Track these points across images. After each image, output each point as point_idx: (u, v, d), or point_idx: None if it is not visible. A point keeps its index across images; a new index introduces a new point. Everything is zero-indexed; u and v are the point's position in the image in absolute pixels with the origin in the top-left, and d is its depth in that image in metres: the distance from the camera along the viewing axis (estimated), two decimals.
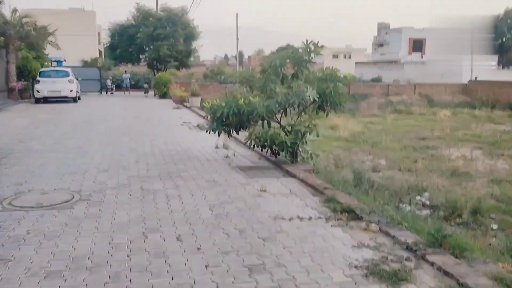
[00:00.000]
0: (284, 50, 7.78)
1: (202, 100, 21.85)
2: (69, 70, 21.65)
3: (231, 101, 7.50)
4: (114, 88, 34.73)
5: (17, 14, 21.28)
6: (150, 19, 28.65)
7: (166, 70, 30.98)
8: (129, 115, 16.12)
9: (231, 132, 8.06)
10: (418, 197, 7.95)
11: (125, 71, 37.16)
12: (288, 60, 7.60)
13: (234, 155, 8.71)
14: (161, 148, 9.32)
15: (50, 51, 31.40)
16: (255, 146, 7.88)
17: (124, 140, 10.18)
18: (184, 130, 12.47)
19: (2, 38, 21.04)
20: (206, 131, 7.99)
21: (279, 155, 7.92)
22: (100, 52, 58.42)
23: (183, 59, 30.23)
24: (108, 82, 34.39)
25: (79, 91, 23.47)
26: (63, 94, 20.50)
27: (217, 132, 7.82)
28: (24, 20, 21.55)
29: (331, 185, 6.56)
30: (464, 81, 49.66)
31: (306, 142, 7.88)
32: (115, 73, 43.56)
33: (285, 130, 7.74)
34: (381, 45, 78.67)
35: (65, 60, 32.54)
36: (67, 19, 55.68)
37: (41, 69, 21.16)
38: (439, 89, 44.78)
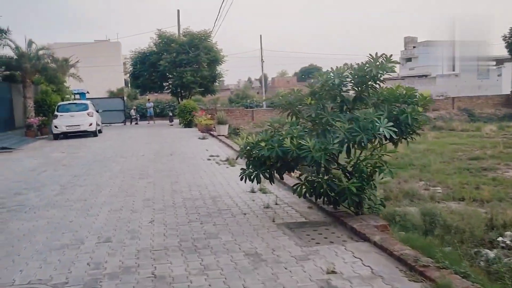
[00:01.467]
0: (341, 66, 5.85)
1: (230, 127, 20.15)
2: (88, 102, 20.41)
3: (273, 140, 5.61)
4: (138, 118, 33.66)
5: (34, 46, 20.31)
6: (172, 44, 27.43)
7: (190, 97, 29.62)
8: (150, 149, 14.49)
9: (273, 176, 6.14)
10: (500, 238, 6.50)
11: (148, 99, 36.14)
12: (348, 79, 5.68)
13: (276, 203, 6.79)
14: (184, 196, 7.48)
15: (72, 84, 30.68)
16: (306, 194, 5.93)
17: (140, 186, 8.41)
18: (212, 166, 10.66)
19: (18, 72, 20.03)
20: (241, 178, 6.09)
21: (338, 206, 5.94)
22: (126, 81, 58.28)
23: (207, 84, 28.78)
24: (132, 112, 33.37)
25: (100, 124, 22.20)
26: (82, 128, 19.19)
27: (254, 179, 5.91)
28: (41, 52, 20.53)
29: (421, 251, 4.57)
30: (505, 92, 46.49)
31: (375, 186, 5.90)
32: (140, 102, 42.77)
33: (346, 171, 5.78)
34: (409, 59, 76.16)
35: (88, 92, 31.73)
36: (92, 51, 56.08)
37: (59, 103, 19.99)
38: (479, 102, 41.84)
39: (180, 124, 26.13)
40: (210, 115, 22.48)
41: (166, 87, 30.66)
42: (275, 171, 5.99)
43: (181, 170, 10.19)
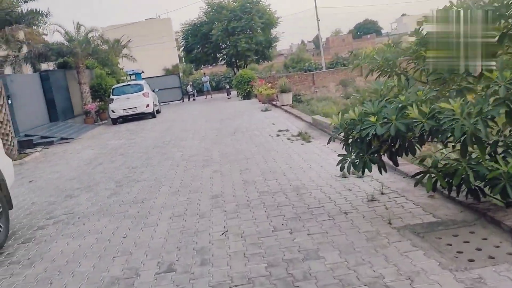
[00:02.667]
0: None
1: (294, 95, 18.41)
2: (142, 82, 19.46)
3: (387, 111, 3.88)
4: (195, 94, 32.75)
5: (82, 29, 19.52)
6: (223, 12, 25.76)
7: (246, 66, 28.03)
8: (212, 128, 13.18)
9: (383, 160, 4.44)
10: None
11: (204, 73, 35.04)
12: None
13: (382, 192, 5.12)
14: (259, 188, 6.00)
15: (126, 65, 30.18)
16: (436, 184, 4.18)
17: (205, 178, 7.05)
18: (284, 145, 9.10)
19: (71, 58, 19.43)
20: (341, 168, 4.46)
21: (484, 196, 4.15)
22: (180, 58, 57.82)
23: (263, 50, 26.97)
24: (189, 88, 32.47)
25: (158, 104, 21.32)
26: (140, 110, 18.32)
27: (360, 168, 4.24)
28: (90, 34, 19.73)
29: None
30: None
31: None
32: (196, 77, 41.92)
33: (493, 149, 3.94)
34: None
35: (143, 72, 31.15)
36: (144, 30, 55.88)
37: (114, 86, 19.22)
38: None
39: (238, 96, 24.76)
40: (269, 84, 20.82)
41: (221, 59, 29.27)
42: (389, 155, 4.27)
43: (249, 152, 8.73)
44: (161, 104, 30.81)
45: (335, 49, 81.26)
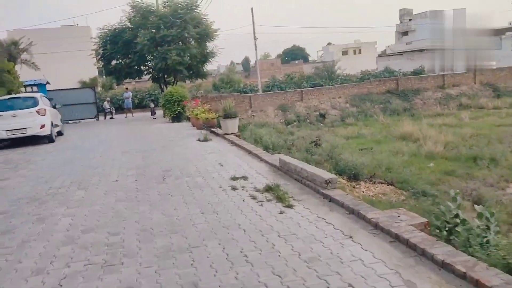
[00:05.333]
0: None
1: (240, 121, 14.79)
2: (37, 96, 14.62)
3: None
4: (114, 111, 28.05)
5: None
6: (151, 18, 21.72)
7: (176, 83, 24.04)
8: (129, 164, 9.14)
9: None
10: None
11: (126, 88, 30.43)
12: None
13: None
14: None
15: (27, 74, 24.82)
16: None
17: None
18: (250, 210, 5.41)
19: None
20: None
21: None
22: (101, 71, 52.01)
23: (198, 66, 23.19)
24: (106, 105, 27.74)
25: (60, 123, 16.58)
26: (31, 132, 13.57)
27: None
28: None
29: None
30: None
31: None
32: (116, 92, 36.86)
33: None
34: (406, 33, 71.08)
35: (48, 83, 25.86)
36: (58, 38, 49.65)
37: None
38: (502, 75, 37.04)
39: (165, 117, 20.69)
40: (206, 105, 17.10)
41: (146, 72, 24.99)
42: None
43: (194, 229, 4.90)
44: (71, 121, 25.71)
45: (264, 73, 79.58)
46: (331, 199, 5.52)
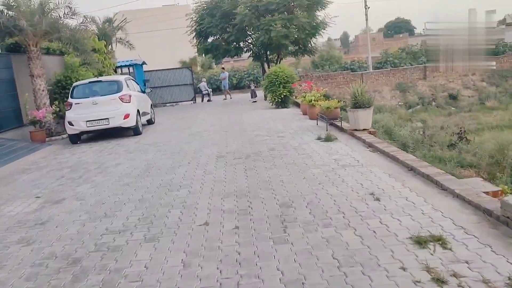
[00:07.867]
0: None
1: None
2: (122, 79, 12.22)
3: None
4: (211, 93, 25.77)
5: None
6: None
7: (280, 61, 20.78)
8: (226, 184, 6.07)
9: None
10: None
11: (222, 68, 27.97)
12: None
13: None
14: None
15: (123, 53, 23.37)
16: None
17: None
18: None
19: (19, 36, 12.56)
20: None
21: None
22: (198, 49, 50.91)
23: (306, 39, 19.60)
24: (202, 86, 25.56)
25: (150, 111, 14.26)
26: (113, 124, 11.30)
27: None
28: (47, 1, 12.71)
29: None
30: None
31: None
32: (214, 72, 34.84)
33: None
34: None
35: (144, 63, 24.25)
36: (160, 18, 49.22)
37: (75, 84, 12.10)
38: None
39: (267, 101, 17.61)
40: (321, 89, 13.59)
41: (246, 49, 22.05)
42: None
43: None
44: (168, 104, 23.94)
45: (365, 48, 73.13)
46: None
